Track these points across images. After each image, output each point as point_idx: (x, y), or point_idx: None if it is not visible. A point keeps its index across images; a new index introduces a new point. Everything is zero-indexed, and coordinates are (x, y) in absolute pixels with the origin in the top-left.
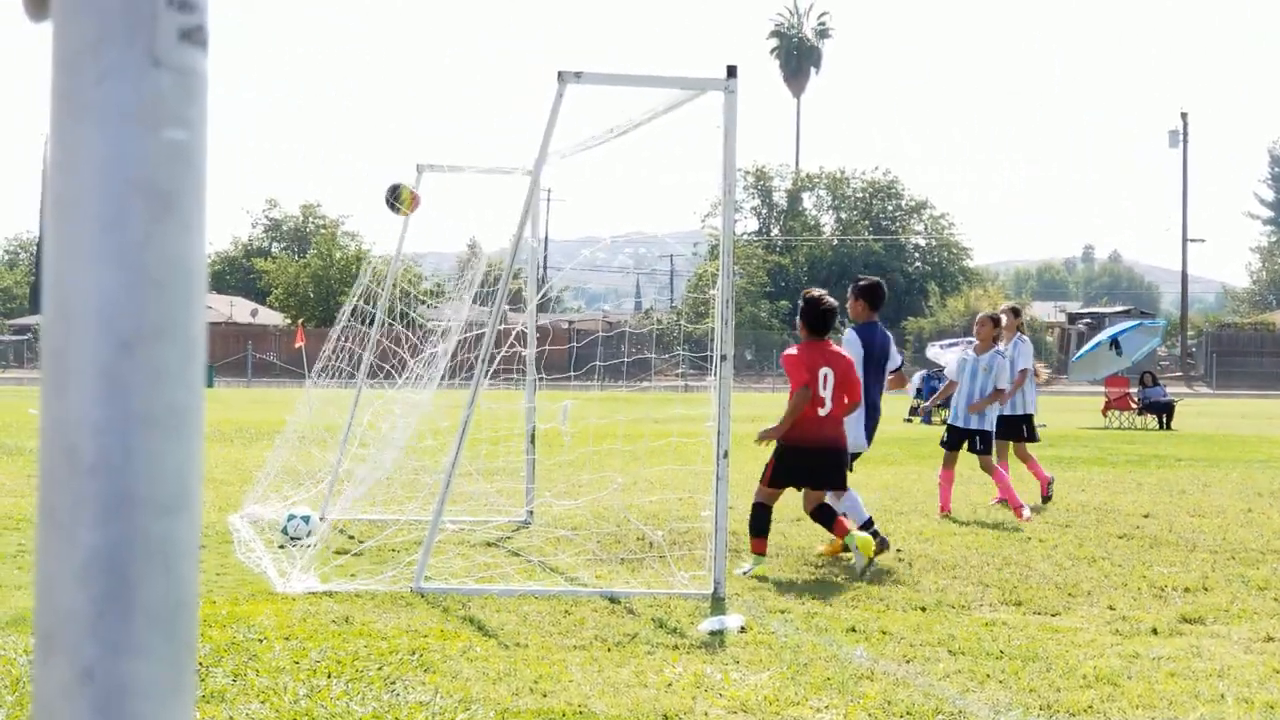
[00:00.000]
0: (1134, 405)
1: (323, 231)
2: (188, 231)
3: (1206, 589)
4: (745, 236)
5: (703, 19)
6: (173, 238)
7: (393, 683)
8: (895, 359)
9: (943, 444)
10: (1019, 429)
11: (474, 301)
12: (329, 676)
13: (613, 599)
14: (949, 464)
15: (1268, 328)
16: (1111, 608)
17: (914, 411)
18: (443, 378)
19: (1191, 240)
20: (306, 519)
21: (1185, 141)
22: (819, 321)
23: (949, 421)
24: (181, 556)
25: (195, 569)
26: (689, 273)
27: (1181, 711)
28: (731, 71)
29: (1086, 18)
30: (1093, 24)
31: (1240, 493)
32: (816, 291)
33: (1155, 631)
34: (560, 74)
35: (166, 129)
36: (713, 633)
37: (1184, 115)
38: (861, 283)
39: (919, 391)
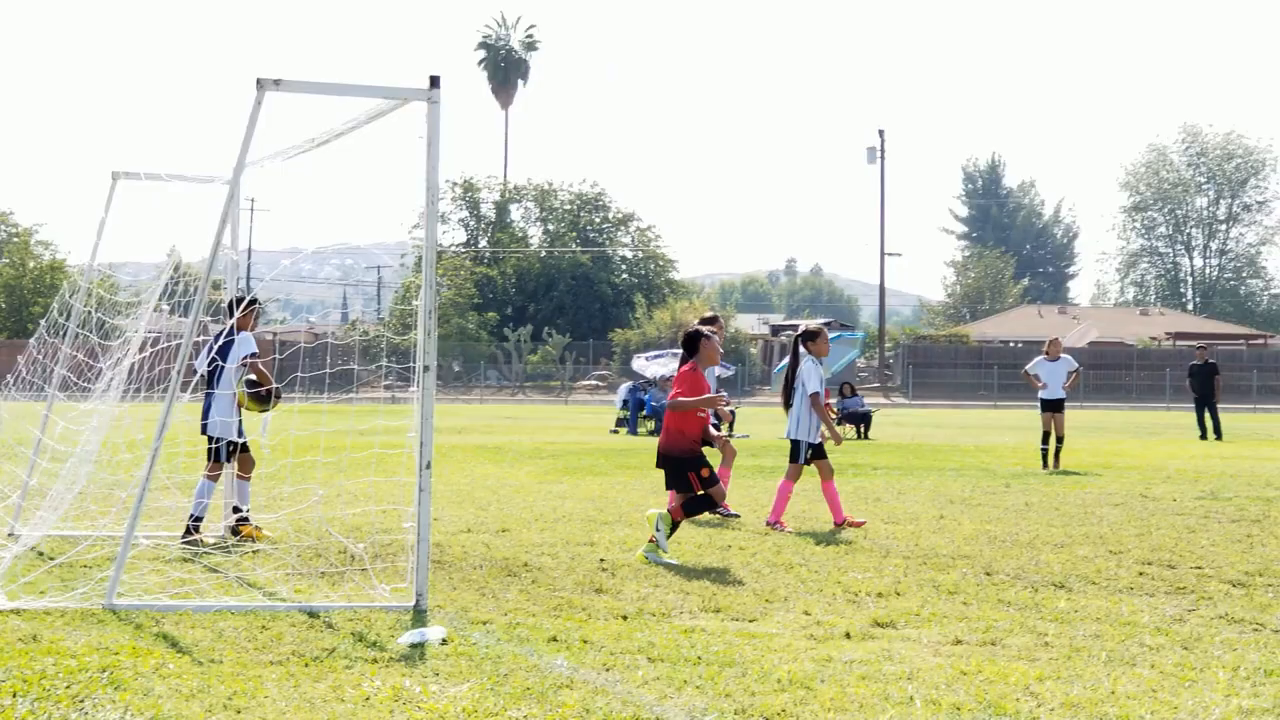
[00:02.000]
0: (833, 415)
1: (15, 240)
2: None
3: (898, 594)
4: (453, 248)
5: (411, 29)
6: None
7: (81, 701)
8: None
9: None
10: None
11: (171, 312)
12: (14, 696)
13: (312, 613)
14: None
15: (961, 340)
16: (807, 613)
17: (620, 423)
18: (140, 389)
19: (889, 254)
20: None
21: (883, 158)
22: None
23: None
24: None
25: None
26: (397, 284)
27: (871, 714)
28: (434, 81)
29: (785, 37)
30: (788, 44)
31: (933, 500)
32: None
33: (848, 636)
34: (259, 81)
35: None
36: (413, 645)
37: (881, 133)
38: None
39: (624, 403)
